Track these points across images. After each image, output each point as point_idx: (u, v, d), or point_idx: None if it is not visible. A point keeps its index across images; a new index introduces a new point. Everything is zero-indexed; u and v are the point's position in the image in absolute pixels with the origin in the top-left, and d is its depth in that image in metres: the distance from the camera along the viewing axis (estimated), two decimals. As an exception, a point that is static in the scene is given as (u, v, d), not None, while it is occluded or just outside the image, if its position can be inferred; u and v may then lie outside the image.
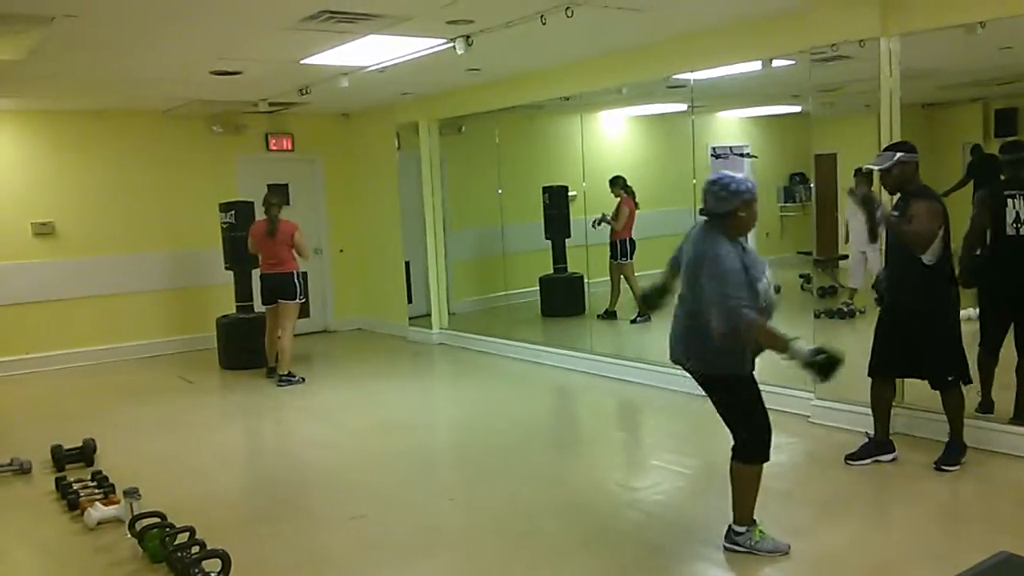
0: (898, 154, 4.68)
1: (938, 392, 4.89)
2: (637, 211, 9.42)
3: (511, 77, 8.28)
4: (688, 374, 3.87)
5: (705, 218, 3.69)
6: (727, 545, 3.90)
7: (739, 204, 3.57)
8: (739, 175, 3.65)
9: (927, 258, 4.64)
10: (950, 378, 4.77)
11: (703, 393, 3.86)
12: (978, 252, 5.20)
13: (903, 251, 4.70)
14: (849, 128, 7.54)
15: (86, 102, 8.73)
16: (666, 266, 4.02)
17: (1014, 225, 5.08)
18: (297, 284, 8.06)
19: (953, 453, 4.82)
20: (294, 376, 8.00)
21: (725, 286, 3.45)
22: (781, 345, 3.40)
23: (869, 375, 4.98)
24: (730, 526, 3.90)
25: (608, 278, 9.62)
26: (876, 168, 4.73)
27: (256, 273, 8.36)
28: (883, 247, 5.15)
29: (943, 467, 4.77)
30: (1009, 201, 5.07)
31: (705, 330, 3.54)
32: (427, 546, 4.26)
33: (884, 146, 4.99)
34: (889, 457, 4.94)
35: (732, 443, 3.84)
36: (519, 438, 6.13)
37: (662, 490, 4.82)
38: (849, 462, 4.96)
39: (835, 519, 4.29)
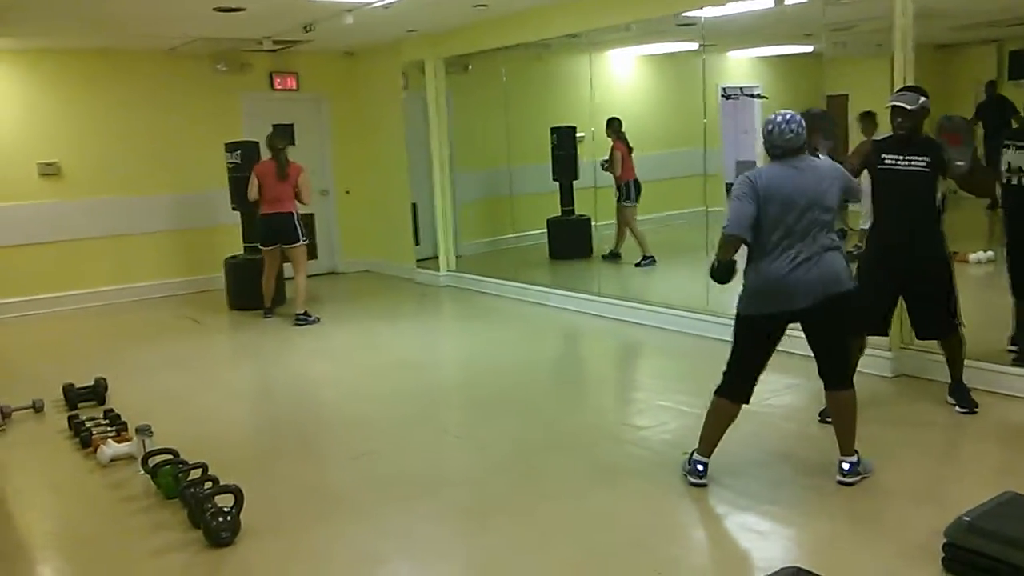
0: (922, 98, 4.57)
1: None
2: (633, 154, 9.32)
3: (518, 14, 8.14)
4: (801, 316, 3.84)
5: (778, 156, 3.81)
6: (850, 480, 3.91)
7: (806, 135, 3.83)
8: (794, 112, 3.84)
9: (938, 202, 4.61)
10: (955, 321, 4.75)
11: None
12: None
13: (915, 195, 4.60)
14: (861, 69, 7.43)
15: (89, 41, 8.62)
16: (740, 228, 3.75)
17: (1007, 174, 5.04)
18: (297, 225, 8.04)
19: (967, 395, 4.82)
20: (310, 316, 8.03)
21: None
22: None
23: (856, 332, 4.67)
24: (843, 460, 3.93)
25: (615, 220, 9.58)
26: (908, 107, 4.60)
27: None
28: (872, 192, 4.88)
29: (974, 410, 4.75)
30: (1004, 150, 5.02)
31: (840, 248, 3.85)
32: (435, 483, 4.31)
33: (901, 87, 4.87)
34: None
35: (832, 376, 3.92)
36: (526, 378, 6.17)
37: (669, 429, 4.86)
38: (822, 419, 4.68)
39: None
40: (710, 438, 4.02)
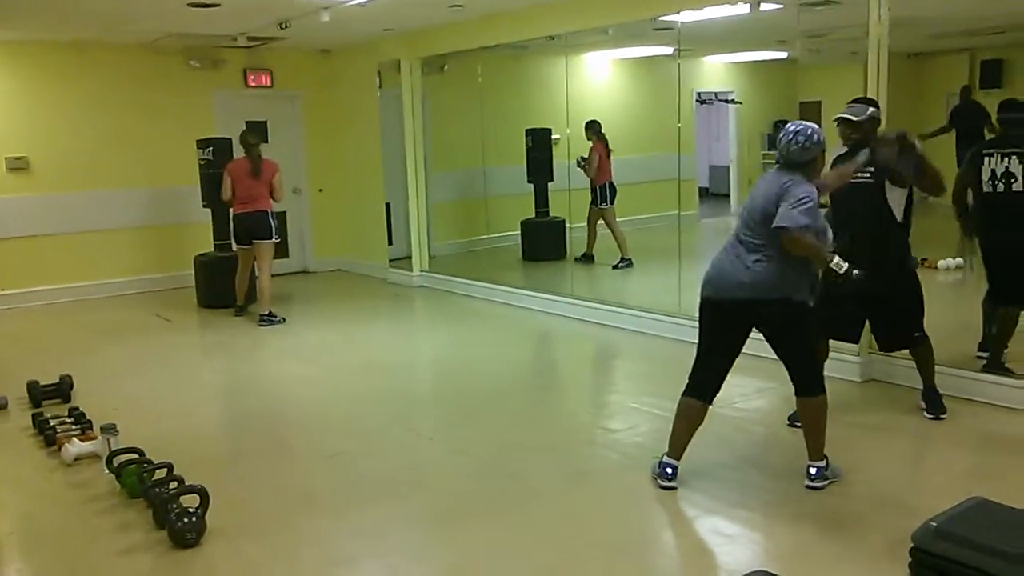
0: (871, 109, 4.63)
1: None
2: (612, 156, 9.36)
3: (495, 14, 8.12)
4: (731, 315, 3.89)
5: (778, 165, 3.87)
6: (818, 485, 3.93)
7: (818, 153, 3.83)
8: (812, 125, 3.82)
9: (899, 214, 4.63)
10: (917, 334, 4.79)
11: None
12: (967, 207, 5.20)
13: (864, 207, 4.58)
14: (834, 76, 7.49)
15: (60, 34, 8.51)
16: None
17: (989, 182, 5.08)
18: (272, 223, 7.98)
19: (939, 400, 4.85)
20: (275, 316, 7.95)
21: (799, 206, 3.64)
22: (822, 256, 3.70)
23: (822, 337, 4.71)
24: (811, 465, 3.95)
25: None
26: (853, 118, 4.63)
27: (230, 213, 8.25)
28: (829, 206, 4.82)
29: (940, 416, 4.78)
30: (986, 159, 5.06)
31: (778, 259, 3.73)
32: (406, 484, 4.28)
33: (853, 99, 4.88)
34: None
35: (796, 383, 3.93)
36: (499, 380, 6.15)
37: (641, 432, 4.86)
38: (791, 423, 4.73)
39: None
40: (679, 440, 4.04)
